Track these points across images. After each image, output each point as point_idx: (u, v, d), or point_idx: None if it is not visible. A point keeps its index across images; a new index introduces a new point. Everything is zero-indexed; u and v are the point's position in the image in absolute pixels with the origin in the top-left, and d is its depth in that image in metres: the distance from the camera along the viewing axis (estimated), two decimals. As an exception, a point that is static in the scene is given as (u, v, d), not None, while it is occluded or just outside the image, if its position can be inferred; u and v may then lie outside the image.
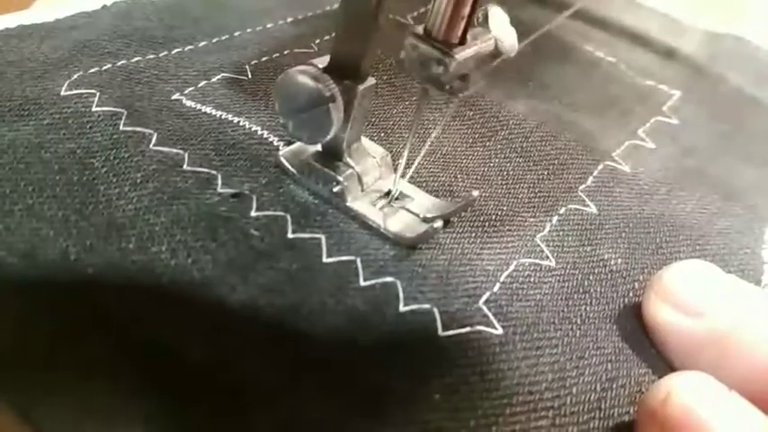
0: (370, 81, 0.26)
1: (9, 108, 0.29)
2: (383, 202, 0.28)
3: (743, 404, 0.22)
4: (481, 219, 0.29)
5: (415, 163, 0.28)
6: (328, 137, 0.26)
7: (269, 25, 0.39)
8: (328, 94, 0.25)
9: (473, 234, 0.28)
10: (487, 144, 0.34)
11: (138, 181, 0.26)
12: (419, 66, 0.24)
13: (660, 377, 0.25)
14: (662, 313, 0.26)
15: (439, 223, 0.26)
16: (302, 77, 0.25)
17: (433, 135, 0.29)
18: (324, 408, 0.22)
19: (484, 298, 0.25)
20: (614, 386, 0.24)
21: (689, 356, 0.25)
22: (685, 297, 0.25)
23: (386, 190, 0.28)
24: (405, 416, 0.22)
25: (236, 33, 0.38)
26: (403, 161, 0.28)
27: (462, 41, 0.24)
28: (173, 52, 0.35)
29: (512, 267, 0.27)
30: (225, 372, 0.22)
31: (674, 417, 0.22)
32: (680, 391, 0.22)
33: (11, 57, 0.32)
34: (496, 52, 0.25)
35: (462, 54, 0.24)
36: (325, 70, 0.25)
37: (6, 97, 0.29)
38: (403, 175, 0.28)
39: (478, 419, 0.22)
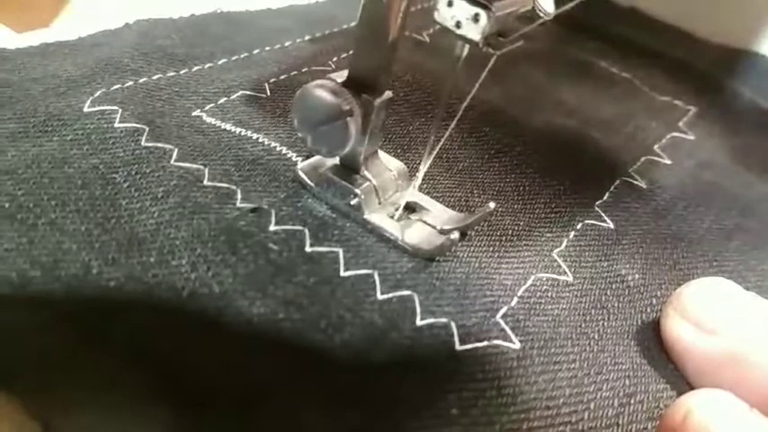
0: (388, 95, 0.27)
1: (33, 124, 0.29)
2: (400, 214, 0.28)
3: (764, 423, 0.22)
4: (498, 233, 0.29)
5: (434, 152, 0.28)
6: (346, 150, 0.26)
7: (287, 44, 0.40)
8: (347, 107, 0.25)
9: (490, 248, 0.28)
10: (504, 159, 0.34)
11: (160, 196, 0.27)
12: (455, 24, 0.23)
13: (679, 393, 0.25)
14: (681, 331, 0.26)
15: (456, 235, 0.27)
16: (321, 92, 0.26)
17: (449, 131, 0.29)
18: (340, 421, 0.22)
19: (501, 312, 0.25)
20: (632, 402, 0.24)
21: (708, 374, 0.25)
22: (704, 315, 0.25)
23: (403, 203, 0.28)
24: (422, 430, 0.22)
25: (255, 51, 0.38)
26: (423, 168, 0.28)
27: None
28: (193, 70, 0.35)
29: (529, 282, 0.27)
30: (242, 383, 0.22)
31: None
32: (699, 409, 0.22)
33: (35, 74, 0.32)
34: (534, 14, 0.25)
35: (500, 6, 0.23)
36: (343, 84, 0.26)
37: (30, 113, 0.30)
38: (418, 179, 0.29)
39: None
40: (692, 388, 0.25)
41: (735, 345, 0.24)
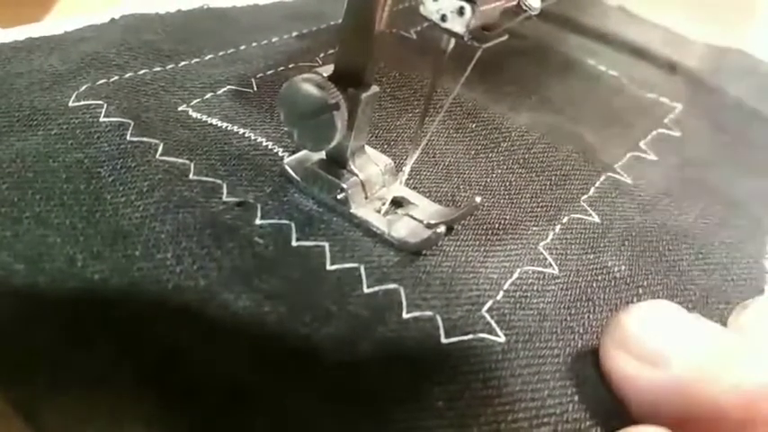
0: (374, 89, 0.27)
1: (18, 118, 0.29)
2: (386, 208, 0.28)
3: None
4: (484, 227, 0.29)
5: (420, 147, 0.28)
6: (332, 144, 0.26)
7: (274, 39, 0.40)
8: (333, 101, 0.25)
9: (476, 242, 0.28)
10: (490, 155, 0.34)
11: (145, 190, 0.27)
12: (440, 17, 0.24)
13: None
14: (621, 363, 0.23)
15: (442, 229, 0.27)
16: (307, 85, 0.26)
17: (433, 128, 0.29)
18: (326, 414, 0.22)
19: (487, 306, 0.25)
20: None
21: (651, 408, 0.23)
22: (645, 345, 0.23)
23: (389, 197, 0.28)
24: (407, 423, 0.22)
25: (242, 47, 0.38)
26: (409, 163, 0.28)
27: None
28: (179, 65, 0.35)
29: (515, 275, 0.27)
30: (228, 377, 0.22)
31: None
32: None
33: (20, 68, 0.32)
34: (519, 9, 0.25)
35: (485, 2, 0.23)
36: (329, 78, 0.26)
37: (15, 108, 0.29)
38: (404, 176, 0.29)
39: (481, 426, 0.22)
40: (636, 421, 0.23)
41: (679, 376, 0.22)
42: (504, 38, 0.25)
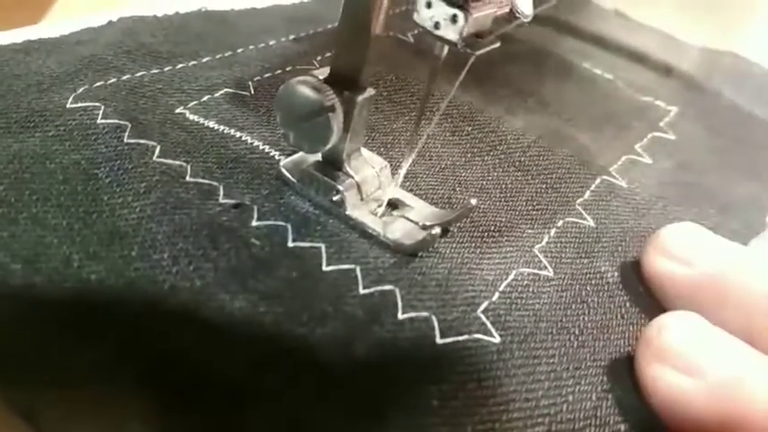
0: (370, 92, 0.27)
1: (15, 120, 0.29)
2: (382, 210, 0.28)
3: (724, 334, 0.25)
4: (480, 230, 0.29)
5: (416, 149, 0.28)
6: (328, 146, 0.26)
7: (271, 43, 0.40)
8: (328, 104, 0.25)
9: (472, 244, 0.29)
10: (486, 158, 0.35)
11: (142, 191, 0.27)
12: (433, 25, 0.24)
13: None
14: (660, 265, 0.28)
15: (437, 230, 0.27)
16: (303, 88, 0.26)
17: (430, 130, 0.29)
18: (322, 414, 0.22)
19: (482, 307, 0.26)
20: (610, 395, 0.25)
21: (685, 300, 0.27)
22: (680, 249, 0.28)
23: (385, 199, 0.29)
24: (402, 422, 0.22)
25: (239, 50, 0.38)
26: (405, 165, 0.28)
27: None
28: (177, 67, 0.35)
29: (511, 277, 0.27)
30: (224, 377, 0.22)
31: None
32: (673, 323, 0.25)
33: (17, 70, 0.32)
34: (512, 16, 0.25)
35: (478, 8, 0.24)
36: (325, 81, 0.26)
37: (13, 109, 0.29)
38: (399, 178, 0.29)
39: (475, 426, 0.22)
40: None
41: (706, 272, 0.27)
42: (497, 44, 0.25)
